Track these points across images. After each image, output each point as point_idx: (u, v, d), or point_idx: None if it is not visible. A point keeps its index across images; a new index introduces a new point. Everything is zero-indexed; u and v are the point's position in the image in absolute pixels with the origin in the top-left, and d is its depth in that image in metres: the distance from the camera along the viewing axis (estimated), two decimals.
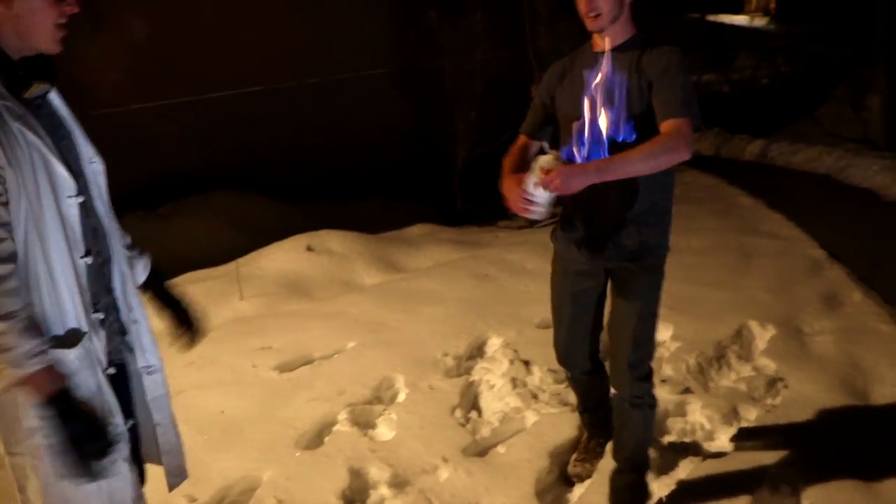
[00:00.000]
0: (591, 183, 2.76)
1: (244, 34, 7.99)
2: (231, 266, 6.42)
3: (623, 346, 3.30)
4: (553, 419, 4.21)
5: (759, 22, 26.17)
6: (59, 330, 2.15)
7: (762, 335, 5.10)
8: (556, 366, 4.71)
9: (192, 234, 6.91)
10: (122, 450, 2.30)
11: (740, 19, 26.30)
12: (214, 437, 4.15)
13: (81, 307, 2.20)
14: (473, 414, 4.38)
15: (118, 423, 2.29)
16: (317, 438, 4.16)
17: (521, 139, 3.33)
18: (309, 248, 6.72)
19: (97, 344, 2.25)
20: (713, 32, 19.36)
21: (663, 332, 5.14)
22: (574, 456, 3.92)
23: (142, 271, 2.65)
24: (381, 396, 4.57)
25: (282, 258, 6.62)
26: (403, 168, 8.91)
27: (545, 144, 3.16)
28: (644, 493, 3.57)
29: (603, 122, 2.87)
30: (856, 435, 3.99)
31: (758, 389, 4.45)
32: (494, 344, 5.12)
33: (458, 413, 4.34)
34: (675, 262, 6.34)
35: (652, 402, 3.42)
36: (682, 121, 2.86)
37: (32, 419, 2.11)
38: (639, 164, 2.80)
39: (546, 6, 9.67)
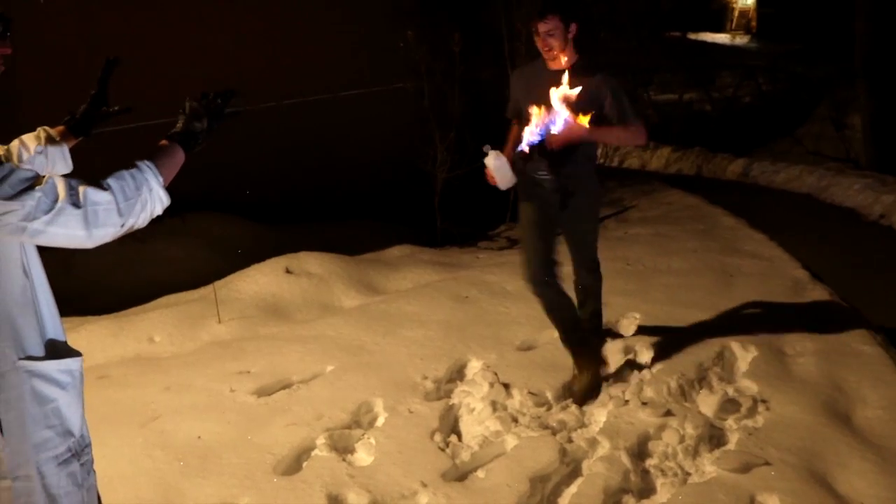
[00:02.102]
0: (583, 139, 4.35)
1: (215, 54, 7.92)
2: (209, 289, 6.36)
3: (583, 248, 4.81)
4: (533, 443, 4.16)
5: (741, 40, 26.38)
6: (44, 347, 2.15)
7: (744, 357, 5.06)
8: (536, 388, 4.72)
9: (169, 257, 6.84)
10: (92, 459, 2.32)
11: (721, 38, 26.51)
12: (191, 463, 4.08)
13: (60, 325, 2.22)
14: (453, 438, 4.32)
15: (87, 434, 2.29)
16: (295, 464, 4.10)
17: (512, 122, 4.70)
18: (287, 271, 6.66)
19: None
20: (694, 51, 19.48)
21: (644, 354, 5.12)
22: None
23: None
24: (360, 421, 4.51)
25: (260, 281, 6.56)
26: (383, 189, 8.86)
27: (487, 147, 4.34)
28: (601, 321, 5.16)
29: (563, 122, 4.21)
30: (838, 458, 3.96)
31: (740, 412, 4.42)
32: (474, 367, 5.08)
33: (438, 437, 4.28)
34: (656, 283, 6.40)
35: (600, 276, 4.95)
36: (640, 123, 4.51)
37: (41, 432, 2.11)
38: (614, 137, 4.79)
39: (525, 26, 9.67)
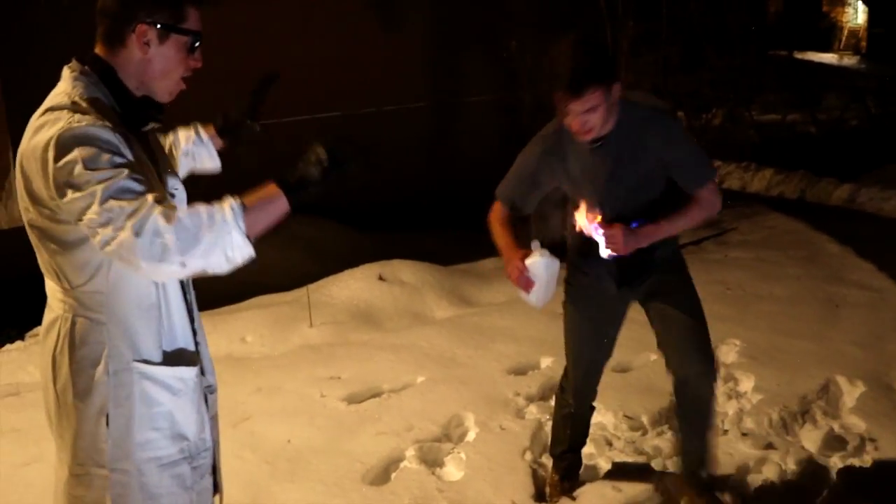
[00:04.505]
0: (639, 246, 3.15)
1: (321, 59, 8.00)
2: (301, 291, 6.38)
3: (695, 342, 3.43)
4: (627, 468, 4.06)
5: (849, 61, 25.64)
6: (162, 353, 2.18)
7: (850, 391, 4.84)
8: (631, 411, 4.60)
9: (263, 258, 6.80)
10: (209, 464, 2.35)
11: (828, 57, 25.82)
12: (280, 467, 4.09)
13: (189, 328, 2.26)
14: (545, 458, 4.22)
15: (208, 438, 2.32)
16: (383, 474, 4.07)
17: (501, 209, 3.47)
18: (380, 278, 6.65)
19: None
20: (800, 70, 18.98)
21: (744, 383, 4.95)
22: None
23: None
24: (450, 434, 4.46)
25: (353, 286, 6.56)
26: (478, 200, 8.87)
27: (536, 243, 3.22)
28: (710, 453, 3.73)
29: (619, 207, 3.21)
30: None
31: (846, 450, 4.22)
32: None
33: (529, 456, 4.20)
34: (757, 310, 6.19)
35: (716, 379, 3.61)
36: (711, 184, 3.23)
37: (146, 433, 2.14)
38: (682, 226, 3.27)
39: (627, 40, 9.53)
